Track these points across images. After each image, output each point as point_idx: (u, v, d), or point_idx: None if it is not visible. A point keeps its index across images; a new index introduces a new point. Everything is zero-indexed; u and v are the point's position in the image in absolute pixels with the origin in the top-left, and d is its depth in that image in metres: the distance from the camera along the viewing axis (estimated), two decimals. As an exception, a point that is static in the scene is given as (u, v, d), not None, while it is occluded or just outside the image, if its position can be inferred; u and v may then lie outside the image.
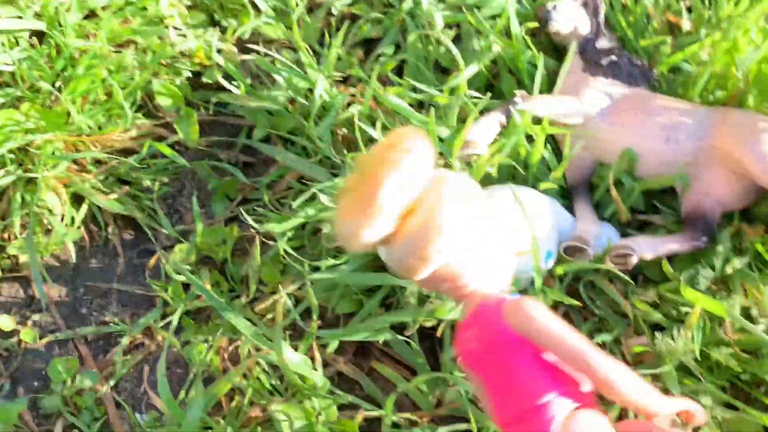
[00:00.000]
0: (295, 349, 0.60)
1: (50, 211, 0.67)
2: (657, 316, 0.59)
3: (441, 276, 0.42)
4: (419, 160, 0.40)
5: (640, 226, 0.66)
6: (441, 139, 0.63)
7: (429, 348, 0.63)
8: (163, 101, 0.71)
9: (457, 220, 0.40)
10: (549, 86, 0.71)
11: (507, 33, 0.70)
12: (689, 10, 0.75)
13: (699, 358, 0.55)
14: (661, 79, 0.70)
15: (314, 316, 0.60)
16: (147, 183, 0.70)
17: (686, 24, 0.73)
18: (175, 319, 0.62)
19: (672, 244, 0.61)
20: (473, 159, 0.61)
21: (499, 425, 0.41)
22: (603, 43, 0.70)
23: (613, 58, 0.68)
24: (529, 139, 0.65)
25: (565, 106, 0.65)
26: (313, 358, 0.59)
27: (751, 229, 0.62)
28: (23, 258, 0.68)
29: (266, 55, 0.75)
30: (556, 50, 0.74)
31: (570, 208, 0.65)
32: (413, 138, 0.41)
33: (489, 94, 0.66)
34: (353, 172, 0.44)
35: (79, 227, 0.68)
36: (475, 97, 0.66)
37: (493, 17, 0.73)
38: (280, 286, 0.62)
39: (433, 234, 0.39)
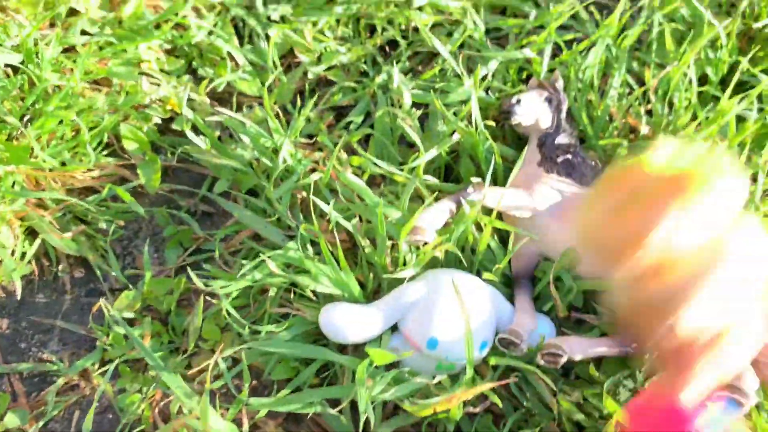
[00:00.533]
0: (226, 409, 0.61)
1: (2, 245, 0.67)
2: (580, 416, 0.61)
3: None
4: (722, 202, 0.32)
5: (577, 322, 0.68)
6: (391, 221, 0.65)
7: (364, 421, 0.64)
8: (129, 145, 0.72)
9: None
10: (507, 174, 0.73)
11: (470, 119, 0.72)
12: (649, 113, 0.78)
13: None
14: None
15: (245, 385, 0.61)
16: (103, 225, 0.70)
17: (644, 128, 0.76)
18: (112, 367, 0.62)
19: (602, 348, 0.63)
20: (420, 245, 0.63)
21: None
22: (562, 138, 0.72)
23: (569, 156, 0.71)
24: (480, 226, 0.67)
25: (516, 200, 0.67)
26: (241, 424, 0.60)
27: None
28: (-31, 286, 0.68)
29: (239, 108, 0.77)
30: (518, 139, 0.76)
31: (512, 298, 0.67)
32: (722, 170, 0.31)
33: (441, 184, 0.68)
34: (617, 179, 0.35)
35: (29, 262, 0.68)
36: (430, 183, 0.69)
37: (461, 102, 0.75)
38: (217, 347, 0.64)
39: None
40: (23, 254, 0.68)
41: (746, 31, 0.84)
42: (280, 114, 0.75)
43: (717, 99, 0.79)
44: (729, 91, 0.71)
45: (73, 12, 0.78)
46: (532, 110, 0.71)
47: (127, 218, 0.73)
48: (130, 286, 0.69)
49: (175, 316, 0.67)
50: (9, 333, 0.68)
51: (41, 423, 0.63)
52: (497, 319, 0.65)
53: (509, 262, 0.68)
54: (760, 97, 0.78)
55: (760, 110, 0.75)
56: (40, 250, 0.70)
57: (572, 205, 0.68)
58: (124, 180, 0.74)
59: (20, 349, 0.68)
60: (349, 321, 0.61)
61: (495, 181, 0.74)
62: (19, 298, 0.69)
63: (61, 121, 0.69)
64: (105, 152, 0.74)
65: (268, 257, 0.63)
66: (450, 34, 0.84)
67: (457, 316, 0.60)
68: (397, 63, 0.81)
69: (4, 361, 0.67)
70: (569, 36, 0.78)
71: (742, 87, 0.81)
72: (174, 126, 0.76)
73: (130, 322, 0.68)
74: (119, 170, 0.73)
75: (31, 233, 0.70)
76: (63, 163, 0.71)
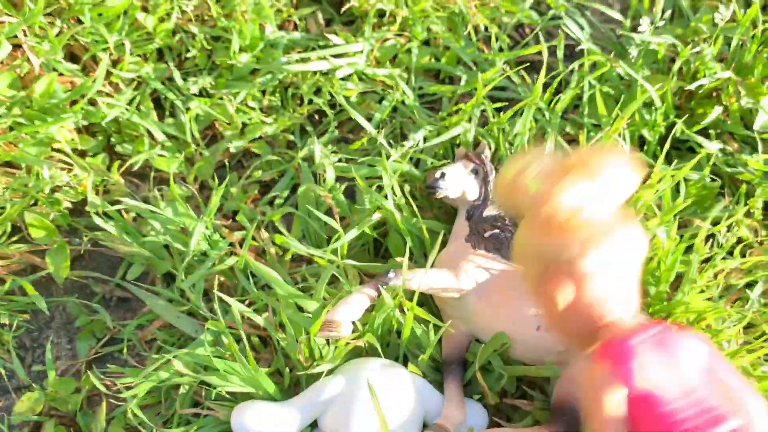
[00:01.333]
0: None
1: None
2: None
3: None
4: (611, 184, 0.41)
5: (513, 407, 0.65)
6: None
7: None
8: (35, 233, 0.69)
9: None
10: (440, 246, 0.70)
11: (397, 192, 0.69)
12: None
13: None
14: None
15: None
16: (5, 320, 0.66)
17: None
18: None
19: None
20: (333, 339, 0.59)
21: None
22: (490, 210, 0.69)
23: (496, 231, 0.68)
24: (404, 311, 0.63)
25: (440, 281, 0.63)
26: None
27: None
28: None
29: (160, 184, 0.74)
30: (453, 210, 0.73)
31: (442, 385, 0.63)
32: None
33: (367, 264, 0.65)
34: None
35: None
36: (356, 265, 0.66)
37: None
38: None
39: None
40: None
41: (683, 91, 0.82)
42: (196, 194, 0.71)
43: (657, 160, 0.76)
44: (661, 158, 0.68)
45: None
46: (457, 183, 0.68)
47: (35, 308, 0.69)
48: (34, 386, 0.65)
49: (83, 417, 0.63)
50: None
51: None
52: (425, 411, 0.61)
53: (439, 345, 0.65)
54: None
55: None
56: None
57: (499, 286, 0.64)
58: (34, 268, 0.70)
59: None
60: (263, 421, 0.57)
61: (426, 257, 0.70)
62: None
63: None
64: (13, 239, 0.70)
65: (175, 356, 0.59)
66: (381, 102, 0.81)
67: (371, 412, 0.57)
68: (323, 134, 0.79)
69: None
70: (498, 104, 0.75)
71: (685, 144, 0.79)
72: (88, 209, 0.72)
73: (39, 425, 0.64)
74: (28, 257, 0.70)
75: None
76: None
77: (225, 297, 0.59)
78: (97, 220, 0.67)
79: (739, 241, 0.73)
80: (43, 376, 0.67)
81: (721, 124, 0.80)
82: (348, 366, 0.61)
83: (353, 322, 0.60)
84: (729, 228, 0.72)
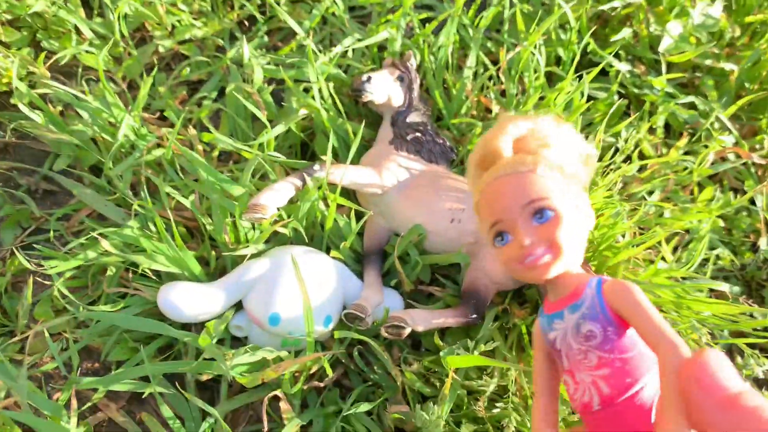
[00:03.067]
0: (55, 399, 0.59)
1: None
2: (419, 386, 0.62)
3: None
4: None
5: (429, 296, 0.69)
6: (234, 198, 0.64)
7: (209, 400, 0.63)
8: (-42, 120, 0.68)
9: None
10: (363, 150, 0.73)
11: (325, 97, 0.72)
12: (502, 94, 0.80)
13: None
14: (463, 158, 0.74)
15: (74, 363, 0.59)
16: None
17: (496, 107, 0.77)
18: None
19: (445, 318, 0.64)
20: (257, 222, 0.62)
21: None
22: (414, 117, 0.73)
23: (418, 134, 0.71)
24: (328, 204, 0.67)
25: (362, 177, 0.67)
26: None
27: (519, 310, 0.66)
28: None
29: (86, 82, 0.74)
30: (378, 118, 0.76)
31: (363, 274, 0.67)
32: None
33: (293, 161, 0.68)
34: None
35: None
36: (281, 161, 0.68)
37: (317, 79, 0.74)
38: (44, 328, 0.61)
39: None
40: None
41: (599, 16, 0.87)
42: (125, 90, 0.72)
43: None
44: (571, 70, 0.73)
45: None
46: (383, 88, 0.71)
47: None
48: (-42, 268, 0.66)
49: (8, 300, 0.64)
50: None
51: None
52: (344, 294, 0.65)
53: (361, 238, 0.69)
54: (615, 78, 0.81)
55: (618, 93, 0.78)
56: None
57: (419, 183, 0.68)
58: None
59: None
60: (188, 299, 0.60)
61: (353, 160, 0.74)
62: None
63: None
64: (-66, 127, 0.70)
65: (101, 234, 0.61)
66: (311, 11, 0.83)
67: (298, 292, 0.60)
68: (252, 40, 0.80)
69: None
70: (424, 15, 0.78)
71: (598, 67, 0.84)
72: (12, 100, 0.72)
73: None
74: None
75: None
76: None
77: (153, 178, 0.61)
78: (24, 109, 0.67)
79: (642, 156, 0.79)
80: (-33, 262, 0.67)
81: (631, 48, 0.85)
82: (272, 251, 0.64)
83: (278, 209, 0.63)
84: (628, 140, 0.78)
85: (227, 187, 0.63)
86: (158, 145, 0.70)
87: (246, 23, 0.83)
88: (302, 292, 0.58)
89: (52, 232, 0.66)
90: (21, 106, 0.67)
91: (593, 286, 0.46)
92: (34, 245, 0.68)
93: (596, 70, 0.73)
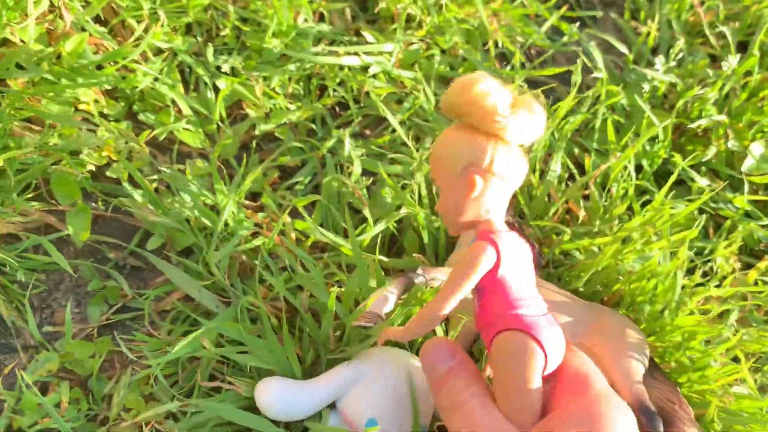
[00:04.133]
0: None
1: None
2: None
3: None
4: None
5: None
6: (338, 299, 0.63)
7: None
8: (58, 193, 0.68)
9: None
10: (449, 249, 0.73)
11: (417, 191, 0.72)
12: (586, 197, 0.81)
13: None
14: (549, 261, 0.75)
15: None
16: (22, 277, 0.65)
17: (581, 213, 0.78)
18: None
19: None
20: (371, 328, 0.61)
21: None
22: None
23: None
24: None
25: None
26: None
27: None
28: None
29: (180, 159, 0.74)
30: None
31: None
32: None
33: (387, 260, 0.68)
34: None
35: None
36: (376, 259, 0.68)
37: (409, 174, 0.75)
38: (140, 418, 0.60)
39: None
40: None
41: (677, 126, 0.88)
42: (223, 168, 0.72)
43: (650, 190, 0.82)
44: (662, 192, 0.73)
45: (5, 42, 0.73)
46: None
47: (48, 269, 0.68)
48: (47, 346, 0.64)
49: (96, 382, 0.63)
50: None
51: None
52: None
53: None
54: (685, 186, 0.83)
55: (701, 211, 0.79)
56: (-52, 299, 0.65)
57: None
58: (49, 228, 0.69)
59: None
60: (286, 397, 0.59)
61: (436, 256, 0.74)
62: None
63: (-16, 163, 0.64)
64: (30, 195, 0.69)
65: (201, 329, 0.60)
66: (400, 102, 0.84)
67: (396, 397, 0.59)
68: (342, 126, 0.81)
69: None
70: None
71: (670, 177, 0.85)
72: (109, 173, 0.72)
73: (46, 386, 0.63)
74: (45, 217, 0.68)
75: (-61, 280, 0.64)
76: (-18, 206, 0.66)
77: (267, 275, 0.60)
78: (125, 185, 0.67)
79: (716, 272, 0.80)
80: (51, 338, 0.66)
81: (708, 162, 0.87)
82: (368, 352, 0.63)
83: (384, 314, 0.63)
84: (709, 260, 0.79)
85: (332, 289, 0.62)
86: (254, 233, 0.70)
87: (336, 108, 0.84)
88: (411, 396, 0.57)
89: (146, 314, 0.65)
90: (124, 184, 0.67)
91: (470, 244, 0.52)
92: (122, 324, 0.67)
93: (672, 179, 0.73)
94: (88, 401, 0.62)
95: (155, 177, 0.72)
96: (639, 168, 0.85)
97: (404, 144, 0.79)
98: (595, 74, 0.85)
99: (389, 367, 0.61)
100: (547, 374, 0.51)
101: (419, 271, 0.64)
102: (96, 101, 0.73)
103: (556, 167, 0.79)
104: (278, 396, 0.59)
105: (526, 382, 0.49)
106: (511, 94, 0.52)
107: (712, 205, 0.84)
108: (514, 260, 0.52)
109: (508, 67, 0.89)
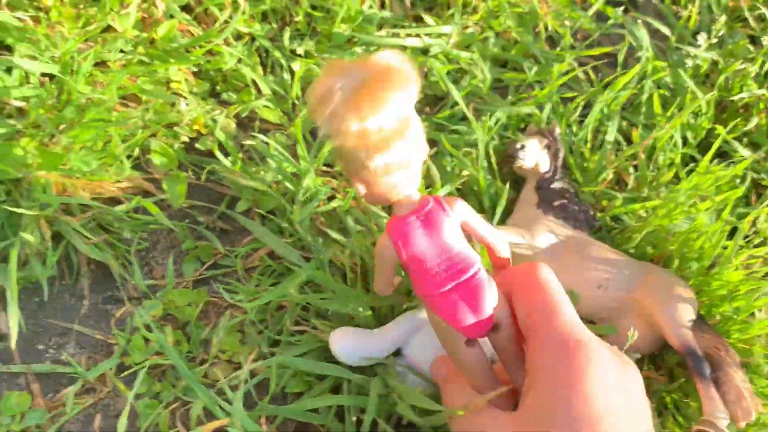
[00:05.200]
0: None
1: (29, 245, 0.69)
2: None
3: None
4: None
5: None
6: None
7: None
8: (157, 160, 0.76)
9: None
10: (505, 215, 0.79)
11: (477, 161, 0.78)
12: (635, 167, 0.86)
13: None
14: (602, 225, 0.80)
15: (270, 392, 0.64)
16: (127, 235, 0.73)
17: (631, 180, 0.83)
18: (143, 374, 0.64)
19: None
20: None
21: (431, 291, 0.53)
22: (559, 184, 0.79)
23: (564, 201, 0.78)
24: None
25: (517, 238, 0.73)
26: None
27: (658, 376, 0.71)
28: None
29: (261, 131, 0.82)
30: (515, 181, 0.83)
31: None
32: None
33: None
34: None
35: (53, 266, 0.70)
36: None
37: (467, 144, 0.81)
38: (235, 358, 0.67)
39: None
40: (47, 257, 0.70)
41: (719, 102, 0.93)
42: (302, 142, 0.79)
43: (693, 159, 0.88)
44: (707, 158, 0.79)
45: (107, 29, 0.81)
46: (533, 154, 0.78)
47: (147, 230, 0.76)
48: (151, 296, 0.72)
49: (194, 327, 0.70)
50: (27, 334, 0.70)
51: (59, 423, 0.65)
52: None
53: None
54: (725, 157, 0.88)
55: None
56: (62, 254, 0.72)
57: (567, 248, 0.74)
58: (147, 193, 0.77)
59: (37, 351, 0.69)
60: (357, 344, 0.65)
61: (498, 220, 0.80)
62: (47, 299, 0.71)
63: (97, 133, 0.72)
64: (131, 165, 0.77)
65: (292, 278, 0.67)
66: (456, 82, 0.90)
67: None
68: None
69: (21, 361, 0.68)
70: (569, 94, 0.85)
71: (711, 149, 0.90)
72: (197, 146, 0.79)
73: (150, 331, 0.71)
74: (143, 184, 0.76)
75: (54, 238, 0.72)
76: (90, 173, 0.74)
77: (333, 234, 0.67)
78: (218, 154, 0.75)
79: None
80: (152, 290, 0.73)
81: (749, 134, 0.92)
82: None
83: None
84: (754, 224, 0.84)
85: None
86: (331, 197, 0.77)
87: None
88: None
89: (239, 268, 0.72)
90: (217, 153, 0.75)
91: (432, 201, 0.53)
92: (214, 279, 0.74)
93: (716, 145, 0.78)
94: (189, 344, 0.69)
95: (239, 152, 0.80)
96: (684, 141, 0.90)
97: (462, 119, 0.85)
98: (640, 53, 0.91)
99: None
100: (487, 329, 0.53)
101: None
102: (186, 80, 0.81)
103: (608, 139, 0.85)
104: (350, 343, 0.65)
105: (454, 354, 0.55)
106: (346, 96, 0.45)
107: (754, 175, 0.89)
108: (420, 243, 0.52)
109: (558, 49, 0.95)
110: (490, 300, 0.53)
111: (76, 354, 0.69)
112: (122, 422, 0.57)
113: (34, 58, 0.74)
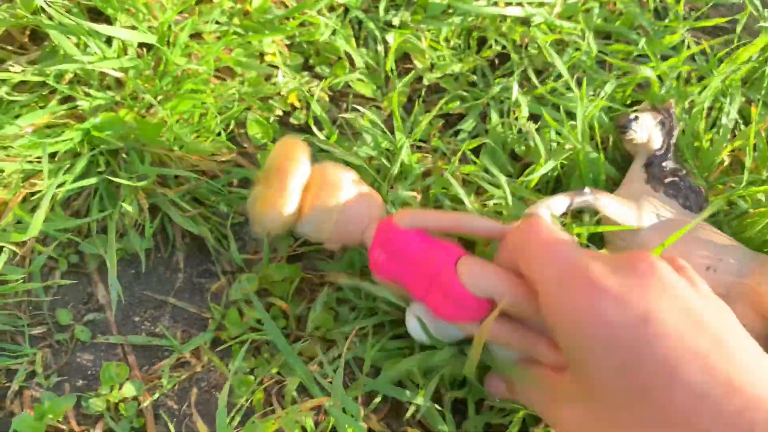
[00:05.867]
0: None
1: (128, 216, 0.69)
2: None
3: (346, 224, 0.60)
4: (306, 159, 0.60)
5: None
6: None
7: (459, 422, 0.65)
8: (254, 133, 0.74)
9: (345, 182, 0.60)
10: (611, 188, 0.75)
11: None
12: (755, 148, 0.80)
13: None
14: (719, 210, 0.74)
15: (364, 371, 0.62)
16: (223, 208, 0.72)
17: (748, 161, 0.77)
18: (244, 350, 0.63)
19: None
20: None
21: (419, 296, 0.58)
22: (670, 162, 0.74)
23: (675, 179, 0.72)
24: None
25: (623, 211, 0.68)
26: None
27: None
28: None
29: (353, 109, 0.79)
30: (617, 160, 0.78)
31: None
32: (298, 145, 0.61)
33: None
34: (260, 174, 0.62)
35: (150, 238, 0.70)
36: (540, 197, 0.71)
37: (569, 118, 0.77)
38: (329, 335, 0.66)
39: (332, 191, 0.59)
40: (144, 229, 0.70)
41: None
42: (398, 115, 0.76)
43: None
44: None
45: (201, 1, 0.80)
46: (646, 129, 0.73)
47: (242, 204, 0.74)
48: (245, 270, 0.71)
49: (291, 304, 0.69)
50: (123, 305, 0.70)
51: (155, 396, 0.64)
52: None
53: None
54: None
55: None
56: (158, 227, 0.72)
57: (675, 226, 0.69)
58: (241, 167, 0.76)
59: (133, 323, 0.69)
60: (431, 322, 0.61)
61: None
62: (143, 271, 0.70)
63: (194, 105, 0.71)
64: (226, 138, 0.76)
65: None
66: (558, 54, 0.85)
67: None
68: (501, 78, 0.83)
69: (118, 332, 0.68)
70: (687, 67, 0.79)
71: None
72: (292, 120, 0.78)
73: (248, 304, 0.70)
74: (237, 158, 0.75)
75: (151, 210, 0.72)
76: (186, 146, 0.73)
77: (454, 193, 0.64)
78: (314, 129, 0.73)
79: None
80: (246, 264, 0.72)
81: None
82: None
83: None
84: None
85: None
86: (424, 174, 0.74)
87: (495, 62, 0.86)
88: None
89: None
90: (312, 127, 0.73)
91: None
92: (308, 255, 0.73)
93: None
94: (286, 320, 0.68)
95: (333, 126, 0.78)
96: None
97: (566, 91, 0.81)
98: (762, 23, 0.84)
99: None
100: None
101: (587, 189, 0.67)
102: (280, 52, 0.79)
103: (725, 119, 0.79)
104: (426, 320, 0.62)
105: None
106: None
107: None
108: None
109: (666, 20, 0.89)
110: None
111: (171, 327, 0.69)
112: (223, 396, 0.55)
113: (133, 28, 0.73)
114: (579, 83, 0.82)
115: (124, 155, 0.71)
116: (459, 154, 0.70)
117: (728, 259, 0.67)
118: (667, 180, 0.72)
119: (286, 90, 0.76)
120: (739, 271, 0.66)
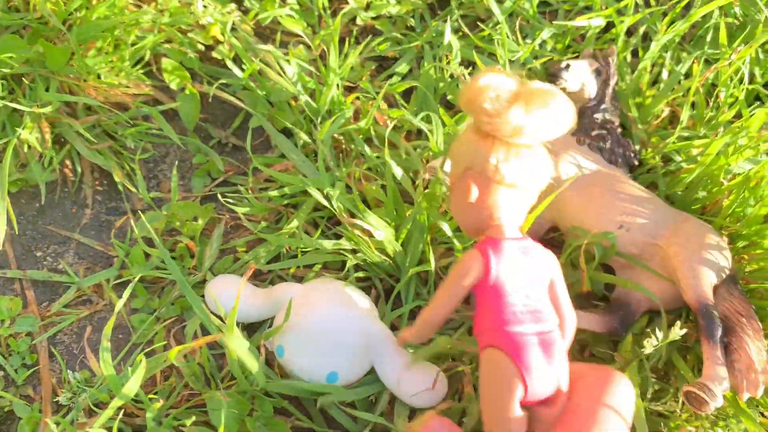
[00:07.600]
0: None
1: (29, 146, 0.65)
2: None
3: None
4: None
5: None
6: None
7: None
8: (169, 77, 0.71)
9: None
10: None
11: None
12: (692, 105, 0.78)
13: None
14: (643, 162, 0.72)
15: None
16: (132, 143, 0.69)
17: (684, 114, 0.75)
18: (133, 284, 0.59)
19: (590, 323, 0.62)
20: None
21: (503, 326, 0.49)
22: (602, 114, 0.71)
23: (603, 131, 0.70)
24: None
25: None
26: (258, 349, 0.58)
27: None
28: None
29: (282, 45, 0.76)
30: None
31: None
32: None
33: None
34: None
35: (54, 169, 0.67)
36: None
37: (511, 60, 0.74)
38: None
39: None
40: (50, 160, 0.66)
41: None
42: (318, 58, 0.73)
43: (759, 98, 0.79)
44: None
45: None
46: (579, 77, 0.70)
47: (155, 141, 0.71)
48: (155, 208, 0.68)
49: (198, 244, 0.66)
50: (25, 239, 0.66)
51: (50, 332, 0.61)
52: (368, 349, 0.58)
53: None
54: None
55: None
56: (65, 159, 0.69)
57: (594, 181, 0.66)
58: (157, 102, 0.72)
59: (35, 257, 0.66)
60: (232, 295, 0.59)
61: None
62: (48, 205, 0.67)
63: (104, 31, 0.67)
64: (142, 71, 0.72)
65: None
66: (500, 2, 0.82)
67: (306, 333, 0.56)
68: (446, 22, 0.80)
69: (18, 266, 0.65)
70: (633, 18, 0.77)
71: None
72: (214, 54, 0.74)
73: (150, 244, 0.67)
74: (154, 92, 0.72)
75: (57, 142, 0.68)
76: (98, 76, 0.69)
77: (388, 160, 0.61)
78: (229, 63, 0.69)
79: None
80: (158, 203, 0.69)
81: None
82: (316, 279, 0.63)
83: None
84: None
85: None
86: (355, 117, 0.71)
87: (435, 5, 0.83)
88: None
89: (250, 182, 0.67)
90: (228, 61, 0.69)
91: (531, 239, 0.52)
92: (223, 195, 0.70)
93: None
94: (193, 260, 0.65)
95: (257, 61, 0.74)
96: (750, 78, 0.81)
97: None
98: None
99: (311, 298, 0.59)
100: (544, 398, 0.49)
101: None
102: (205, -17, 0.75)
103: (664, 73, 0.76)
104: (225, 291, 0.60)
105: (501, 410, 0.48)
106: (513, 90, 0.49)
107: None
108: (512, 271, 0.50)
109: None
110: (563, 366, 0.50)
111: (75, 264, 0.66)
112: (107, 329, 0.52)
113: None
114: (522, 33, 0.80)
115: (29, 83, 0.67)
116: (382, 92, 0.67)
117: (644, 218, 0.64)
118: (594, 132, 0.70)
119: (207, 21, 0.72)
120: (654, 231, 0.64)
